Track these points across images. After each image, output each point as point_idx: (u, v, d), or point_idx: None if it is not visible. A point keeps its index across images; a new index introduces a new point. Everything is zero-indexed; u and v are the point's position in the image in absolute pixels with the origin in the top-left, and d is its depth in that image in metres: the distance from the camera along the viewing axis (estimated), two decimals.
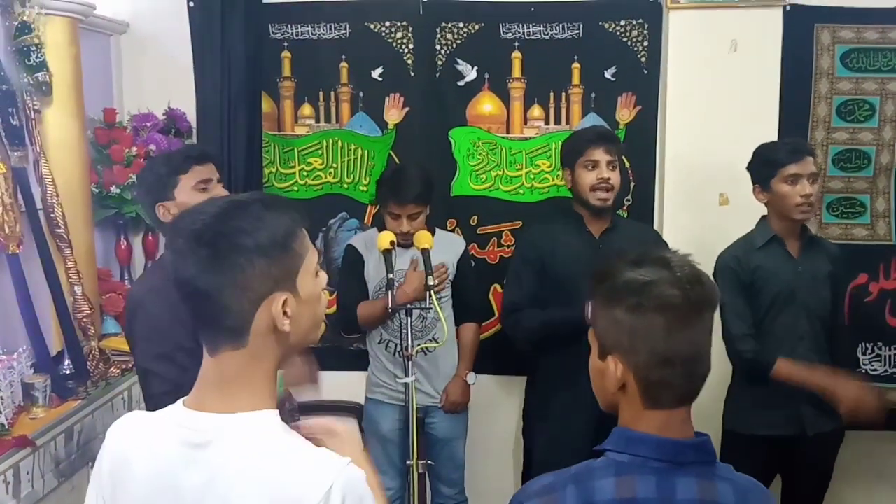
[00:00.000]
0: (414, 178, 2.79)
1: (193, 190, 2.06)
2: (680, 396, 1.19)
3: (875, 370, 3.16)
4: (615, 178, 2.64)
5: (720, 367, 2.73)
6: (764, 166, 2.57)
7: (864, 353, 3.16)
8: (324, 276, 1.20)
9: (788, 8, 3.04)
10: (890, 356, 3.15)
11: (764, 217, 2.64)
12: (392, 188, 2.78)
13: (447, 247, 2.89)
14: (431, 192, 2.84)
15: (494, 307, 3.29)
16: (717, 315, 2.58)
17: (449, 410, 2.92)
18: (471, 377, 2.93)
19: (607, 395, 1.22)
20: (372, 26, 3.23)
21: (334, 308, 3.28)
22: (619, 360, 1.18)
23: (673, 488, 1.14)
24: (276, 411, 1.13)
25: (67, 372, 2.62)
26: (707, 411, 2.95)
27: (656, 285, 1.15)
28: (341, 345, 3.34)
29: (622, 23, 3.15)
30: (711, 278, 1.20)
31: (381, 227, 2.82)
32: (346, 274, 2.97)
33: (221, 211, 1.11)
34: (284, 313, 1.11)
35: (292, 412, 3.31)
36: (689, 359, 1.17)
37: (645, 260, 1.20)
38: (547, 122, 3.24)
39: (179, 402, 1.15)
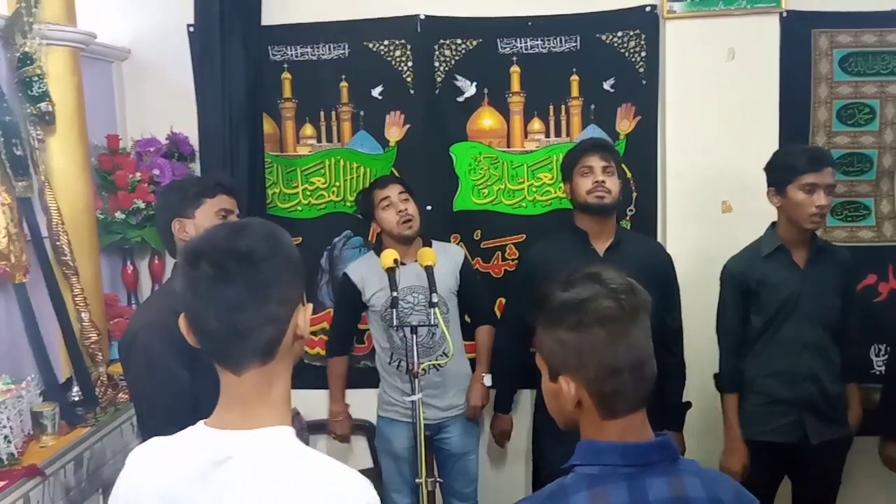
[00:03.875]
0: (385, 176, 3.05)
1: (215, 215, 2.10)
2: (633, 402, 1.21)
3: None
4: (611, 182, 2.66)
5: None
6: (782, 171, 2.52)
7: (877, 355, 3.14)
8: None
9: (785, 14, 3.04)
10: None
11: (773, 223, 2.63)
12: (370, 185, 2.98)
13: (445, 257, 2.89)
14: (407, 184, 2.93)
15: None
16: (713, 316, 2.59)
17: (471, 416, 2.95)
18: (487, 379, 2.97)
19: (565, 413, 1.25)
20: (371, 45, 3.25)
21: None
22: (571, 379, 1.21)
23: (644, 491, 1.16)
24: (293, 429, 1.16)
25: (76, 399, 2.63)
26: (713, 417, 2.95)
27: (592, 300, 1.19)
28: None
29: (619, 34, 3.16)
30: (640, 286, 1.24)
31: (379, 251, 2.83)
32: (340, 302, 3.09)
33: (244, 230, 1.14)
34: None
35: (301, 431, 3.33)
36: (635, 365, 1.20)
37: (576, 279, 1.23)
38: (547, 135, 3.24)
39: (200, 422, 1.18)
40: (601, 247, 2.69)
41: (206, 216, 2.08)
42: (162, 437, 1.22)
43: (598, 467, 1.19)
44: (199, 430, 1.17)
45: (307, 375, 3.29)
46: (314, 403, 3.34)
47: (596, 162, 2.65)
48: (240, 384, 1.14)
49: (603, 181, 2.63)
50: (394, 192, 2.84)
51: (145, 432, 2.03)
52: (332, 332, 3.14)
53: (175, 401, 1.86)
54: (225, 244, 1.11)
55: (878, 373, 3.13)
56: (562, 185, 2.86)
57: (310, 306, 1.20)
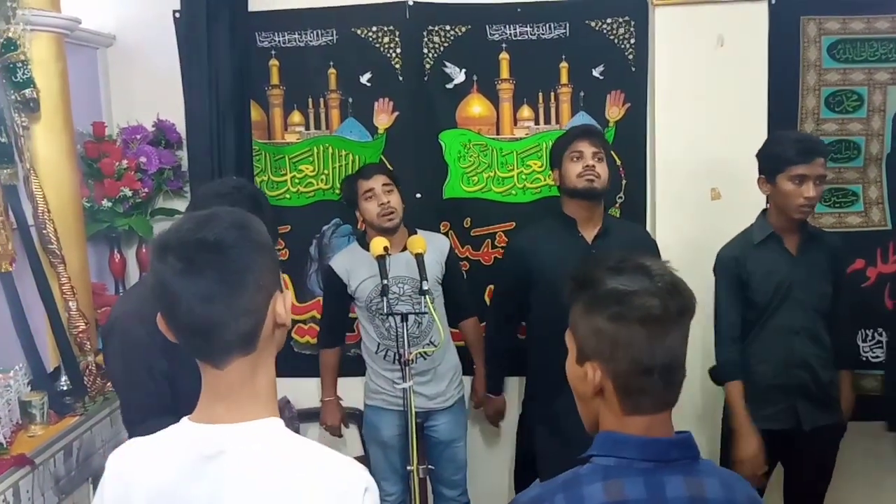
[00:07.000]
0: (372, 164, 3.04)
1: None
2: (659, 403, 1.20)
3: (876, 357, 3.14)
4: (601, 168, 2.67)
5: None
6: (772, 160, 2.52)
7: (864, 341, 3.15)
8: None
9: (774, 1, 3.04)
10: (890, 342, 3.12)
11: (764, 211, 2.63)
12: (356, 173, 2.96)
13: (431, 246, 2.88)
14: (393, 174, 2.92)
15: None
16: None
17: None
18: None
19: (585, 399, 1.24)
20: (359, 32, 3.23)
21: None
22: (598, 367, 1.19)
23: (662, 487, 1.14)
24: (281, 420, 1.14)
25: (64, 388, 2.62)
26: (707, 406, 2.96)
27: (638, 296, 1.16)
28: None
29: (608, 21, 3.15)
30: (688, 286, 1.22)
31: (363, 242, 2.82)
32: (327, 295, 3.03)
33: (210, 220, 1.11)
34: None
35: (292, 419, 3.33)
36: (666, 367, 1.18)
37: (625, 268, 1.21)
38: (537, 122, 3.24)
39: (185, 419, 1.15)
40: (589, 234, 2.70)
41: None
42: (142, 437, 1.19)
43: (615, 459, 1.17)
44: (184, 427, 1.14)
45: (297, 364, 3.29)
46: (304, 392, 3.33)
47: (586, 147, 2.66)
48: (223, 378, 1.11)
49: (593, 166, 2.64)
50: (378, 183, 2.81)
51: (124, 419, 2.03)
52: (322, 323, 3.13)
53: (148, 391, 1.84)
54: (191, 235, 1.08)
55: (864, 359, 3.15)
56: (550, 172, 2.87)
57: (289, 293, 1.18)
